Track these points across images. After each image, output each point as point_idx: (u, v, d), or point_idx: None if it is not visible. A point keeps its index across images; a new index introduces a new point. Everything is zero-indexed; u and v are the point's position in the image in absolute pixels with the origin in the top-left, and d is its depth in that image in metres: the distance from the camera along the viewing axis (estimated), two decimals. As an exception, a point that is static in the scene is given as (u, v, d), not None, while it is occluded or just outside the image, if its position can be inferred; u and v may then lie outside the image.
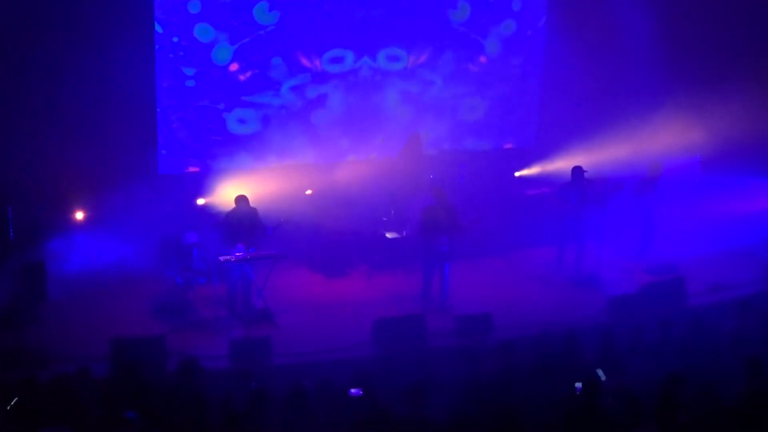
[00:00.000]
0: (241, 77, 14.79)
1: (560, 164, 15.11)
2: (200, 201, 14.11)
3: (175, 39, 14.20)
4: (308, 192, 14.90)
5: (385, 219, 14.60)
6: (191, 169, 14.88)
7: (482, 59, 16.32)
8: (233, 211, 12.16)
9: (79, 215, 13.61)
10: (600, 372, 9.03)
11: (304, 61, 15.11)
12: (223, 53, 14.54)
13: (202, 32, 14.34)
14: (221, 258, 11.94)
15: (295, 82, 15.16)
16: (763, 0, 16.46)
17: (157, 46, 14.10)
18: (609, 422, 7.97)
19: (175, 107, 14.53)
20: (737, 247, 14.39)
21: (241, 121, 15.03)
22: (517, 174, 16.25)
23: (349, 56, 15.38)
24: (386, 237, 14.30)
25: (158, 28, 14.06)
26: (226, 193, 13.46)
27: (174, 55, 14.27)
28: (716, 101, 15.81)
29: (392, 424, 8.08)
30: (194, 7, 14.18)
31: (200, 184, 14.40)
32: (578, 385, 8.55)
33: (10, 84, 13.04)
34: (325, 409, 8.52)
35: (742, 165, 16.00)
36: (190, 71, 14.42)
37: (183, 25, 14.21)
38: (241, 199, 12.18)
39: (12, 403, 8.08)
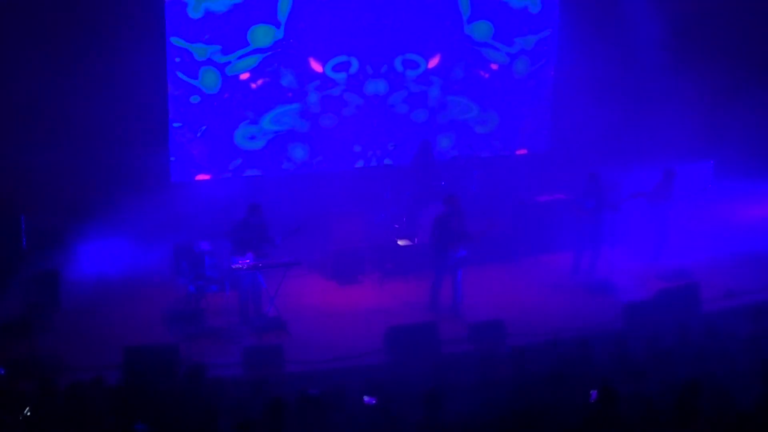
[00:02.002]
0: (253, 85, 14.82)
1: (575, 170, 15.04)
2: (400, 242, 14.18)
3: (184, 46, 14.27)
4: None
5: (397, 226, 14.58)
6: (203, 176, 14.90)
7: (493, 66, 16.30)
8: (245, 219, 12.14)
9: (92, 223, 13.63)
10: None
11: (316, 67, 15.12)
12: (237, 64, 14.61)
13: (210, 43, 14.41)
14: (233, 266, 11.93)
15: (306, 88, 15.17)
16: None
17: (168, 57, 14.14)
18: (626, 429, 7.92)
19: (186, 114, 14.56)
20: (752, 252, 14.31)
21: (252, 131, 15.04)
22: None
23: (359, 63, 15.38)
24: (398, 244, 14.26)
25: (176, 41, 14.11)
26: (238, 200, 13.47)
27: (184, 64, 14.32)
28: (729, 105, 15.76)
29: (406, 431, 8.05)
30: (202, 20, 14.24)
31: (212, 191, 14.42)
32: (593, 392, 8.49)
33: (24, 93, 13.07)
34: (339, 417, 8.50)
35: (756, 169, 15.94)
36: (199, 80, 14.49)
37: (193, 35, 14.26)
38: (253, 208, 12.17)
39: (26, 411, 8.08)
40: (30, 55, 13.01)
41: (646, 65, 16.36)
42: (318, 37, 14.98)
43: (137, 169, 13.75)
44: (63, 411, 8.19)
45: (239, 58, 14.58)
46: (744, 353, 9.92)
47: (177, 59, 14.23)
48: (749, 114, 15.90)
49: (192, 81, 14.41)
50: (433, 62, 15.85)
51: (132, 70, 13.46)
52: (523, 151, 16.94)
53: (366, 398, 8.72)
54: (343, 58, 15.26)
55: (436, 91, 15.97)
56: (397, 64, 15.61)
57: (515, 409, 8.02)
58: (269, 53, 14.73)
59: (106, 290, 12.73)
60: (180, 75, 14.32)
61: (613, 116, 16.01)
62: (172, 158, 14.58)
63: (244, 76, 14.71)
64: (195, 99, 14.51)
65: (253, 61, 14.67)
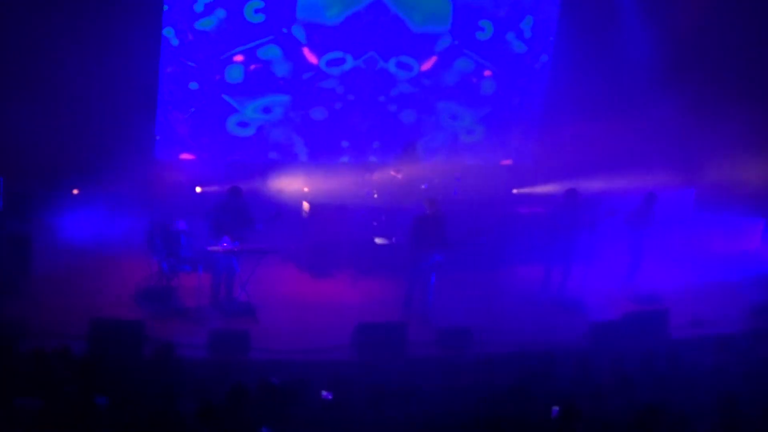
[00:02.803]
0: (252, 67, 14.78)
1: (557, 183, 15.09)
2: (198, 189, 14.09)
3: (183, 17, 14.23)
4: (305, 188, 14.93)
5: (375, 224, 14.58)
6: (187, 156, 14.86)
7: (487, 73, 16.34)
8: (225, 201, 12.12)
9: (72, 191, 13.56)
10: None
11: (311, 58, 15.10)
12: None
13: (206, 25, 14.38)
14: (209, 248, 11.90)
15: (299, 79, 15.16)
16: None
17: (162, 34, 14.10)
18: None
19: (175, 92, 14.52)
20: (723, 284, 14.41)
21: (241, 116, 15.01)
22: (515, 191, 16.19)
23: (354, 59, 15.38)
24: (375, 242, 14.28)
25: (166, 8, 14.06)
26: (222, 183, 13.45)
27: (179, 43, 14.28)
28: (716, 135, 15.83)
29: (364, 429, 8.07)
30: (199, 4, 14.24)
31: (196, 172, 14.39)
32: (555, 408, 8.52)
33: (10, 58, 12.99)
34: (298, 408, 8.49)
35: (734, 203, 16.04)
36: (192, 61, 14.44)
37: (189, 16, 14.22)
38: (234, 191, 12.14)
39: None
40: (19, 18, 12.91)
41: (635, 83, 16.42)
42: (316, 29, 14.96)
43: (122, 142, 13.68)
44: (26, 375, 8.15)
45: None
46: (705, 383, 9.98)
47: (170, 31, 14.16)
48: (733, 140, 15.95)
49: (188, 62, 14.38)
50: (427, 65, 15.86)
51: (126, 41, 13.40)
52: (507, 162, 16.99)
53: (324, 393, 8.72)
54: (338, 54, 15.25)
55: (426, 94, 15.98)
56: (391, 64, 15.62)
57: (476, 417, 8.04)
58: (270, 38, 14.69)
59: (79, 259, 12.67)
60: (175, 53, 14.28)
61: (600, 133, 16.06)
62: (157, 136, 14.53)
63: (238, 58, 14.68)
64: (193, 85, 14.48)
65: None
